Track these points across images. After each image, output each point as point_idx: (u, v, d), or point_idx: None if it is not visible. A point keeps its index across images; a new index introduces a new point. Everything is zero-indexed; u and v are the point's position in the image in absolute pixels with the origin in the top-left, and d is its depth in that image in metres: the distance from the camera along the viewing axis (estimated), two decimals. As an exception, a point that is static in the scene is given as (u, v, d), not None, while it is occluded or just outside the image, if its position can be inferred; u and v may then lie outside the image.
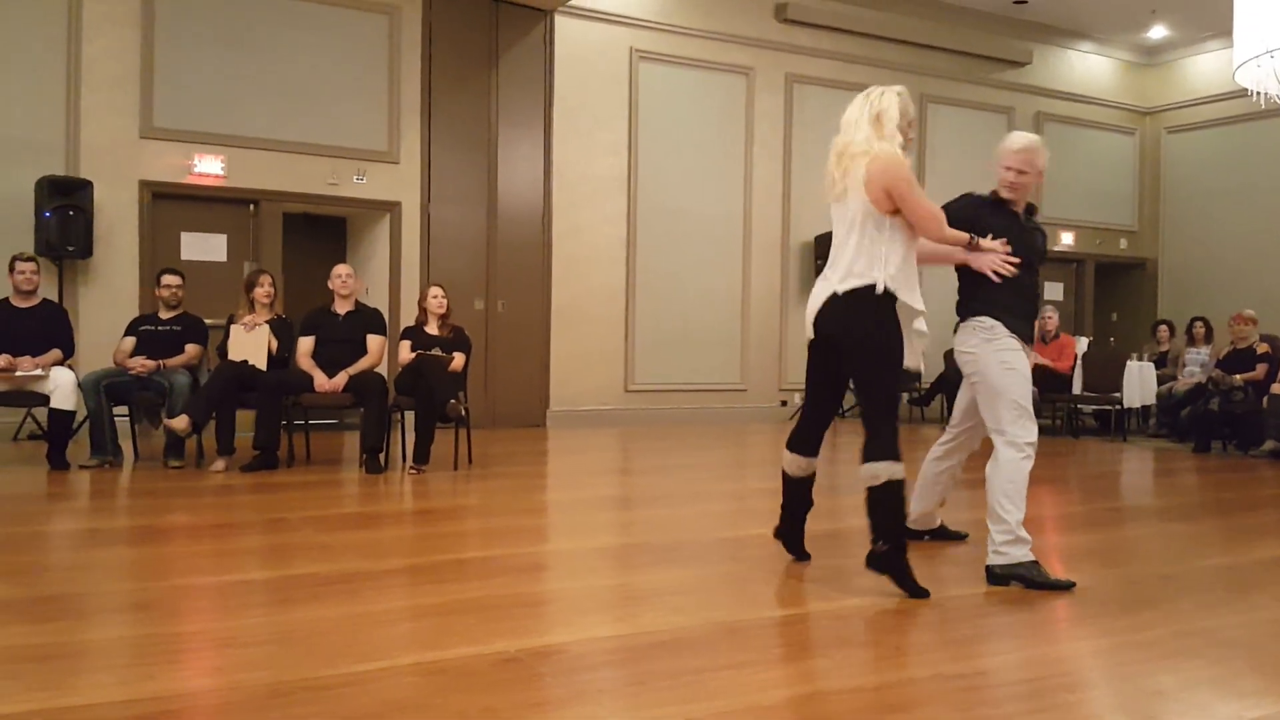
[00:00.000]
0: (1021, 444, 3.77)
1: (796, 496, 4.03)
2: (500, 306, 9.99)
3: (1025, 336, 3.95)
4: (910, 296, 3.57)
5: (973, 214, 3.97)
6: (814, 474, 4.01)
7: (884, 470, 3.54)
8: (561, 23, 10.25)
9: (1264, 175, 12.54)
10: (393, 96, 9.57)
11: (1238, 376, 8.98)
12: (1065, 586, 3.69)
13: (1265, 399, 8.59)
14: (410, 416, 6.75)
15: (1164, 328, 11.23)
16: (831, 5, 11.60)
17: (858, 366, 3.66)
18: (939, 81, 12.38)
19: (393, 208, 9.61)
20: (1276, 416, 8.43)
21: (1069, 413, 10.78)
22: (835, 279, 3.68)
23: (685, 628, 3.10)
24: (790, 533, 4.09)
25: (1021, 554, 3.73)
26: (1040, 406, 10.64)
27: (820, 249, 11.39)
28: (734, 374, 11.31)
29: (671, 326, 10.86)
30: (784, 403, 11.50)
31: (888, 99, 3.77)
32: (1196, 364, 10.01)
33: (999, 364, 3.84)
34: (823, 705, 2.46)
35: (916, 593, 3.51)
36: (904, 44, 12.07)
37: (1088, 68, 13.60)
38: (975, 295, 3.98)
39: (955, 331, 4.04)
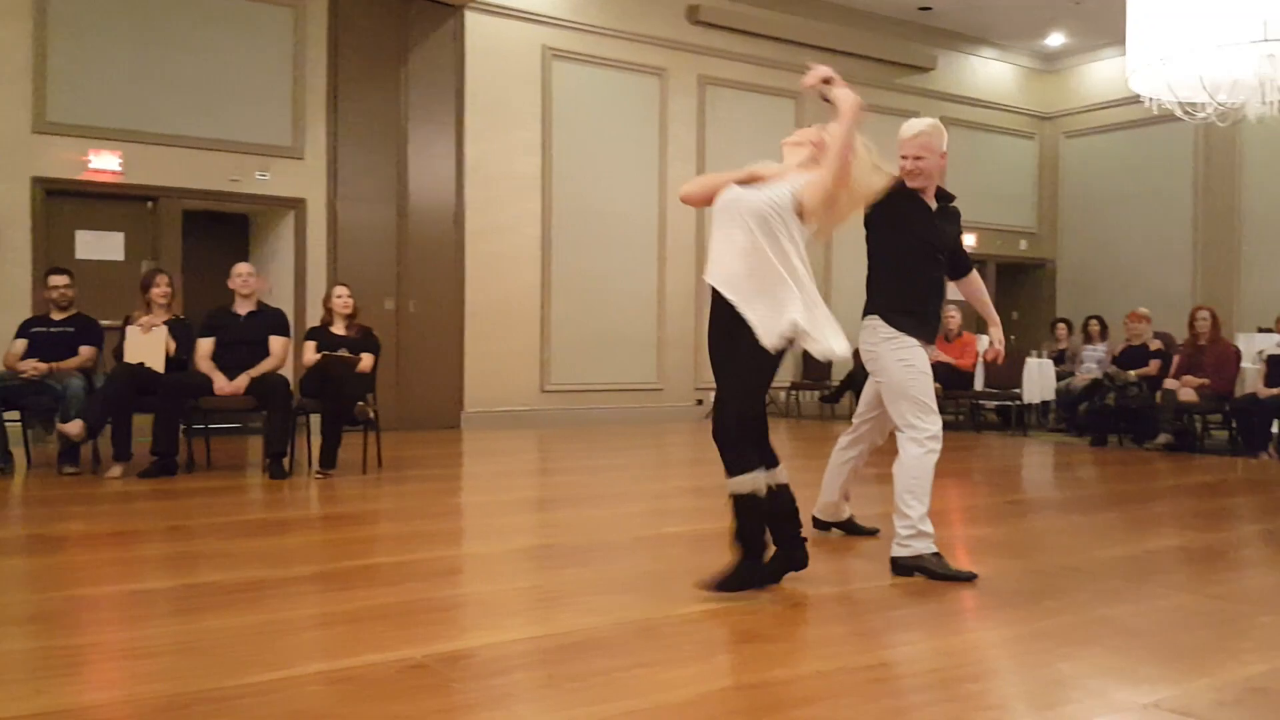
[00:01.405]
0: (924, 439, 3.83)
1: None
2: (412, 306, 9.86)
3: (923, 332, 3.97)
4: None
5: (885, 200, 3.80)
6: None
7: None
8: (472, 19, 10.15)
9: (1157, 179, 13.03)
10: (298, 91, 9.38)
11: (1132, 372, 9.31)
12: (967, 578, 3.76)
13: (1158, 394, 8.92)
14: (316, 419, 6.61)
15: (1062, 325, 11.59)
16: (742, 8, 11.71)
17: None
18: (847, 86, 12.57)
19: (297, 205, 9.41)
20: (1169, 411, 8.77)
21: (971, 408, 11.06)
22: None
23: (598, 628, 3.09)
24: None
25: (924, 546, 3.80)
26: (944, 403, 10.90)
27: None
28: (650, 374, 11.34)
29: (588, 327, 10.84)
30: (699, 402, 11.57)
31: None
32: (1093, 360, 10.35)
33: (898, 361, 3.89)
34: (731, 701, 2.47)
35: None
36: (813, 48, 12.21)
37: (990, 74, 13.97)
38: (873, 291, 4.03)
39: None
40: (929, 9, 12.49)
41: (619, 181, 11.06)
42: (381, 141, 9.78)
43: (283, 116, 9.33)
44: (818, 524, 4.56)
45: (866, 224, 3.97)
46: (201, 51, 8.91)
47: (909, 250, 3.98)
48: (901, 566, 3.83)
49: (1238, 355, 8.94)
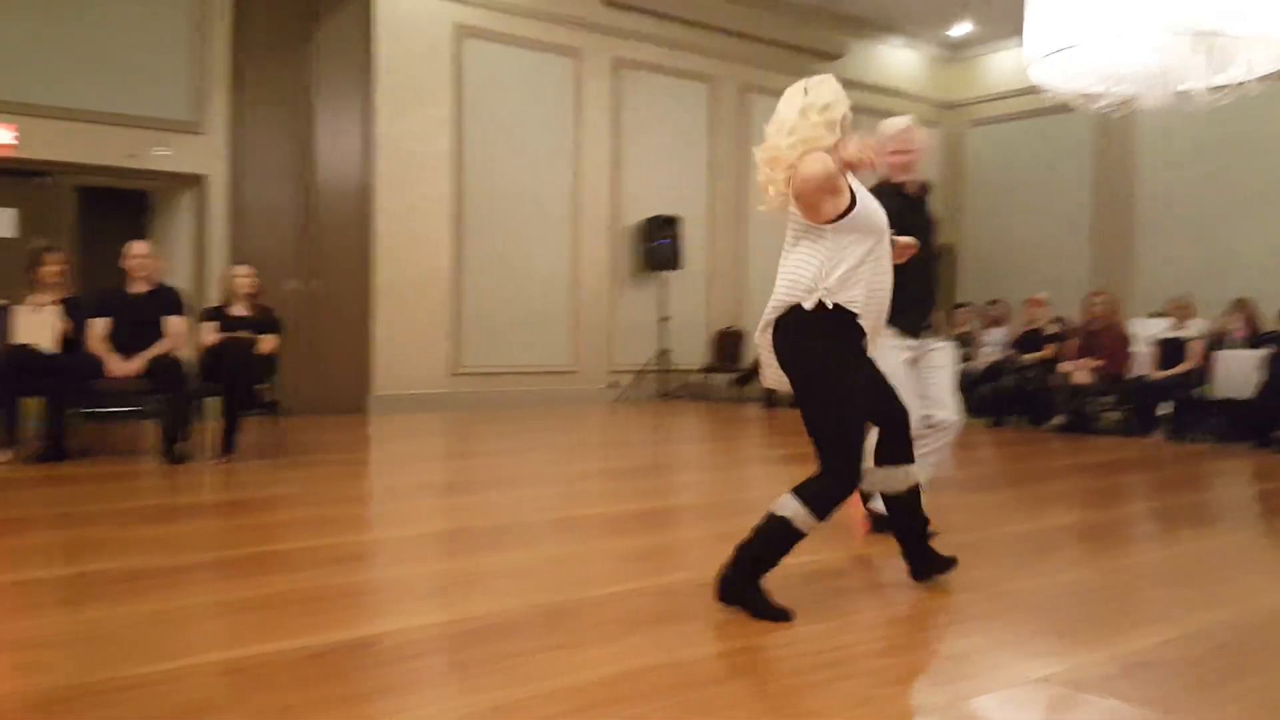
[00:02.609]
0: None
1: None
2: (316, 287, 9.64)
3: (907, 327, 3.94)
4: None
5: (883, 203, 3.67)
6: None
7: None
8: (381, -6, 9.94)
9: (1056, 167, 13.40)
10: (199, 64, 9.06)
11: (1029, 355, 9.59)
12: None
13: (1054, 376, 9.20)
14: (215, 403, 6.43)
15: (964, 310, 11.87)
16: (656, -10, 11.67)
17: None
18: (758, 71, 12.66)
19: (198, 181, 9.12)
20: (1065, 392, 9.05)
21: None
22: None
23: (508, 611, 3.07)
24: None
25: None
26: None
27: (651, 232, 11.51)
28: (565, 356, 11.29)
29: (501, 308, 10.73)
30: (613, 384, 11.57)
31: None
32: (993, 344, 10.63)
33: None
34: (637, 682, 2.47)
35: (778, 617, 3.03)
36: (727, 33, 12.28)
37: (898, 62, 14.19)
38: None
39: None
40: (839, -5, 12.63)
41: (533, 162, 10.95)
42: (287, 117, 9.52)
43: (183, 90, 9.01)
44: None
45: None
46: (99, 22, 8.54)
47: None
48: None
49: (1131, 339, 9.27)
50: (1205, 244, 11.86)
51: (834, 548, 4.09)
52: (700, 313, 12.32)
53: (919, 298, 4.02)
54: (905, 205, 3.96)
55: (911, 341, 4.08)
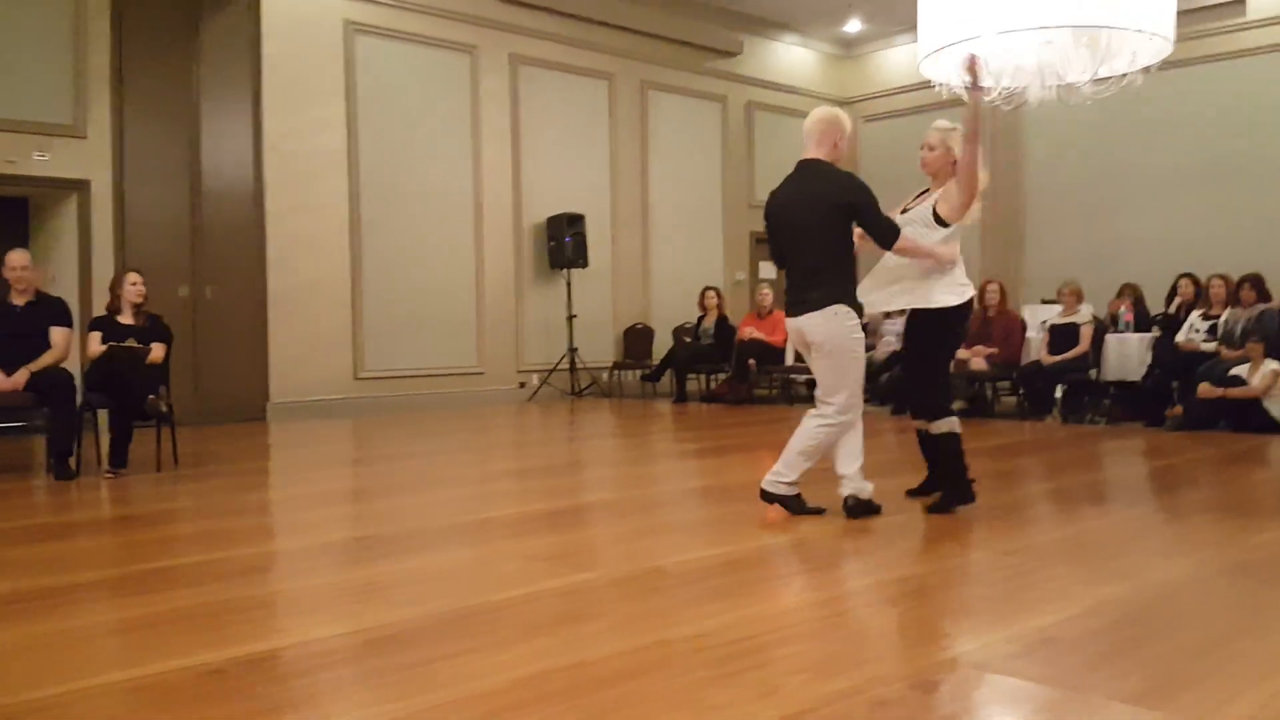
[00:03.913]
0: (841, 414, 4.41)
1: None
2: (209, 292, 9.35)
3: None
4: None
5: None
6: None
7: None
8: (269, -9, 9.69)
9: (948, 161, 13.70)
10: (79, 65, 8.72)
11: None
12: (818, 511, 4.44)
13: (951, 363, 9.41)
14: (104, 415, 6.19)
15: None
16: (553, -13, 11.61)
17: None
18: (658, 69, 12.71)
19: (80, 187, 8.77)
20: (962, 379, 9.28)
21: (783, 383, 11.42)
22: None
23: (412, 620, 3.00)
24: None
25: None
26: (757, 376, 11.22)
27: (555, 230, 11.44)
28: (470, 357, 11.17)
29: (403, 310, 10.56)
30: (522, 384, 11.49)
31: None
32: (892, 334, 10.83)
33: (857, 348, 4.49)
34: (546, 684, 2.44)
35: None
36: (625, 30, 12.28)
37: (793, 59, 14.38)
38: (833, 280, 4.44)
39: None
40: (735, -7, 12.74)
41: (431, 161, 10.80)
42: (172, 119, 9.22)
43: (63, 93, 8.66)
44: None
45: (837, 222, 4.38)
46: (-33, 19, 8.16)
47: (851, 239, 4.43)
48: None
49: (1024, 326, 9.54)
50: (1093, 232, 12.29)
51: (742, 539, 4.12)
52: (607, 310, 12.32)
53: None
54: None
55: None
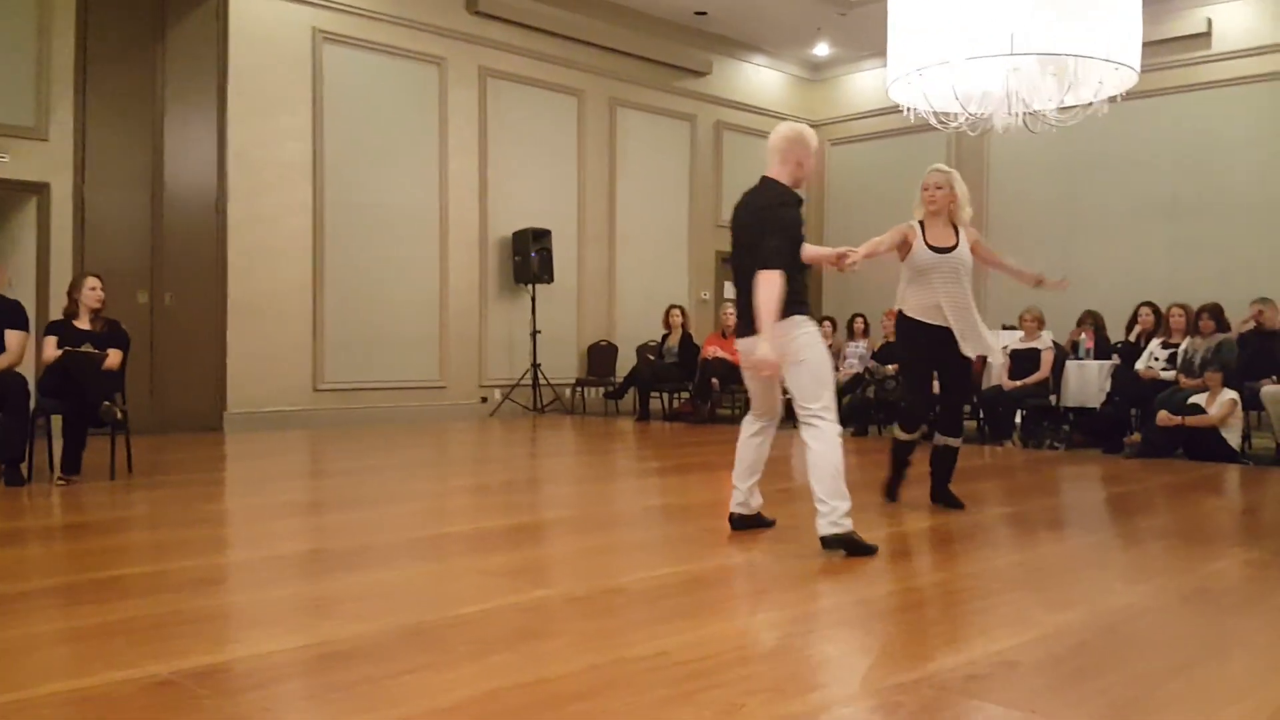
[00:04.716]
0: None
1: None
2: (168, 300, 9.22)
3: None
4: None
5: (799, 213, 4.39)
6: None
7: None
8: (236, -4, 9.61)
9: (914, 185, 13.82)
10: (42, 68, 8.61)
11: (889, 367, 9.87)
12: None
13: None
14: (58, 421, 6.06)
15: (827, 323, 12.15)
16: (523, 2, 11.61)
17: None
18: (627, 86, 12.74)
19: (40, 190, 8.63)
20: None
21: (746, 402, 11.42)
22: None
23: (367, 634, 2.95)
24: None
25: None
26: (719, 397, 11.23)
27: (520, 245, 11.40)
28: (433, 371, 11.08)
29: (365, 322, 10.46)
30: (484, 399, 11.41)
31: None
32: (855, 356, 10.91)
33: (822, 354, 4.39)
34: (504, 700, 2.40)
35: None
36: (595, 47, 12.30)
37: (762, 80, 14.48)
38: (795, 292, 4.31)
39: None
40: (704, 14, 12.80)
41: (397, 173, 10.73)
42: (135, 124, 9.11)
43: (25, 95, 8.54)
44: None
45: (793, 236, 4.25)
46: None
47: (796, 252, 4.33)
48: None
49: (984, 350, 9.61)
50: (1055, 259, 12.41)
51: (703, 558, 4.09)
52: (571, 327, 12.28)
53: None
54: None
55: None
